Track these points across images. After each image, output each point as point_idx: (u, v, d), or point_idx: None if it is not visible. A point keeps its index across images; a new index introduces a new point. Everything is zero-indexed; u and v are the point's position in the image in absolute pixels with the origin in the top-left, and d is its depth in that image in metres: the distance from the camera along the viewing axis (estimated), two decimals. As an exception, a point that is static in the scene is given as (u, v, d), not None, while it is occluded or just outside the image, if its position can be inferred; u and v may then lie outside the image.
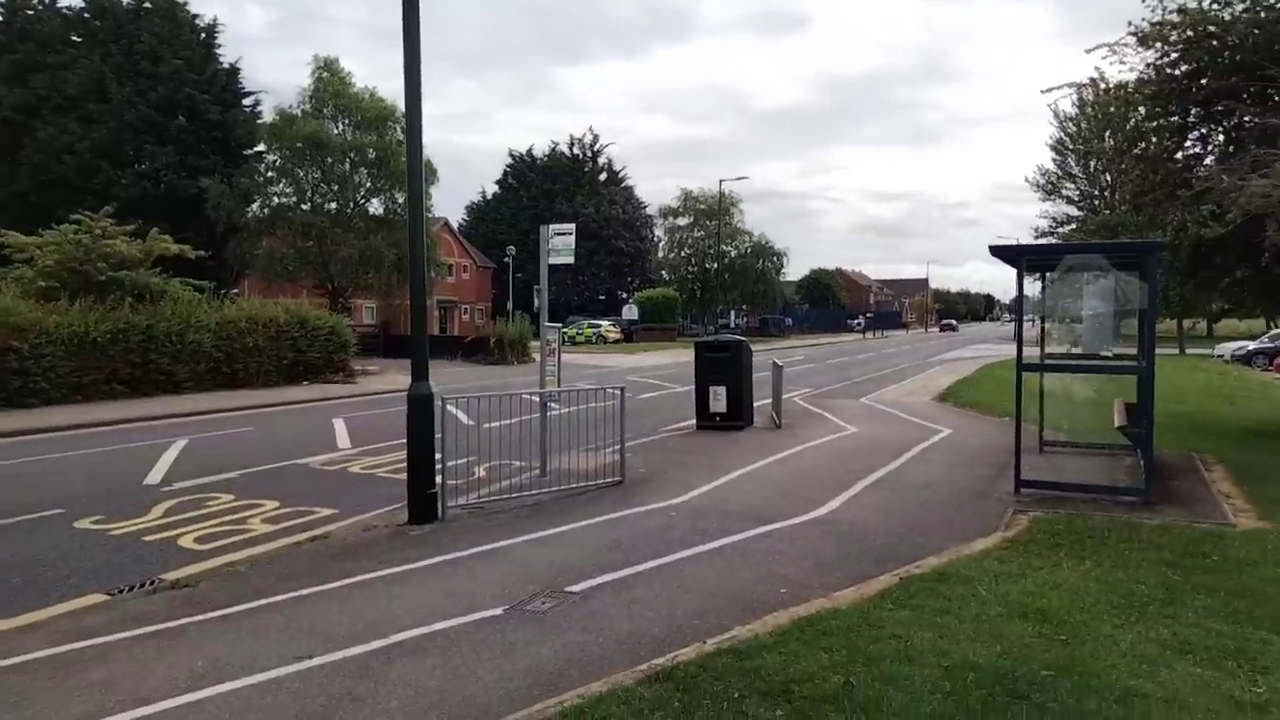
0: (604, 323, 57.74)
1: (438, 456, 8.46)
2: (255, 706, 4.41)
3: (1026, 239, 44.86)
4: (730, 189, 69.63)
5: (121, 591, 6.45)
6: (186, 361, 20.81)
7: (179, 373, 20.63)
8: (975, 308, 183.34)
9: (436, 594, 6.17)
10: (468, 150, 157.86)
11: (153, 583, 6.63)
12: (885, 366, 34.22)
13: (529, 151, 79.97)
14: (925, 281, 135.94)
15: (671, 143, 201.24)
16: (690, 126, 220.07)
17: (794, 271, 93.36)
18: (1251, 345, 35.39)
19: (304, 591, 6.28)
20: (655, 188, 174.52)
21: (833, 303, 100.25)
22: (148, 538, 8.01)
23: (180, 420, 16.82)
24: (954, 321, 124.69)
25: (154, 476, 10.92)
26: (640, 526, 7.93)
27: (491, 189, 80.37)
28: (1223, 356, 36.06)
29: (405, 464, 11.14)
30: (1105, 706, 4.12)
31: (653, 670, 4.62)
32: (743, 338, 16.92)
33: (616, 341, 54.66)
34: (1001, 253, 10.10)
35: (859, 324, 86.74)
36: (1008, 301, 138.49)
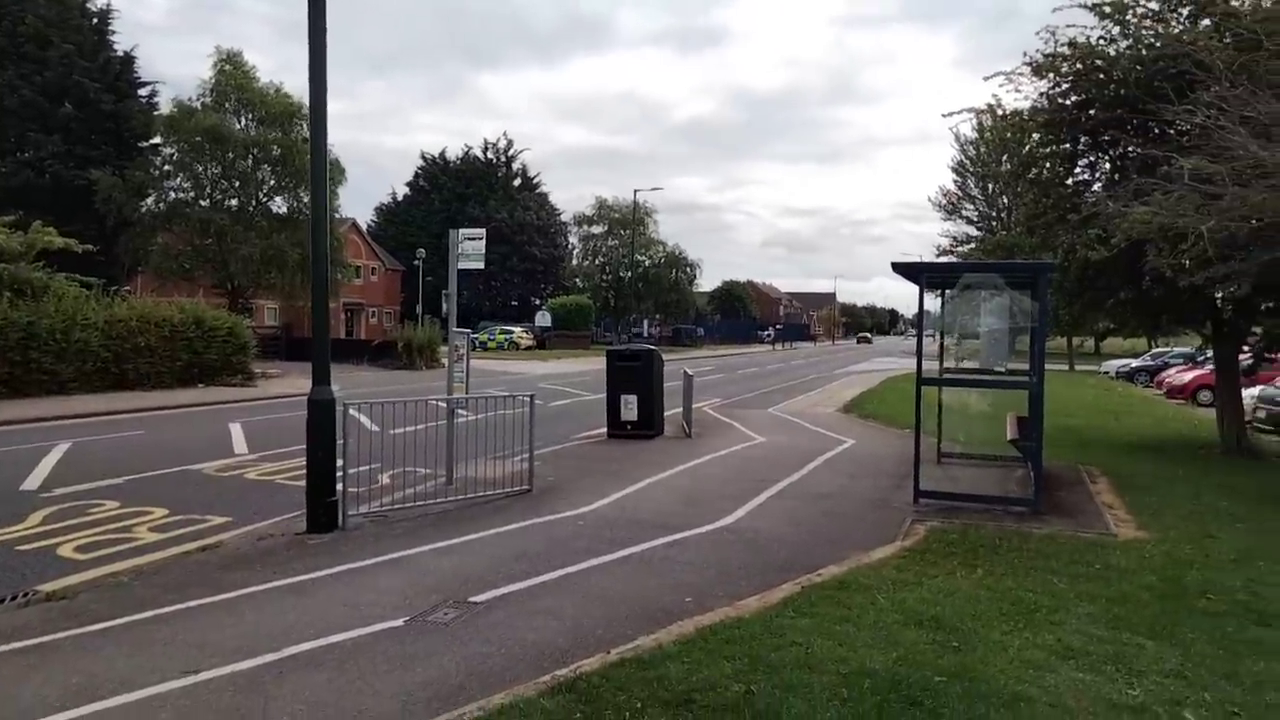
0: (516, 329, 57.29)
1: (339, 463, 8.21)
2: (136, 725, 4.19)
3: (929, 256, 46.33)
4: (645, 199, 70.30)
5: (-10, 605, 6.05)
6: (72, 361, 19.72)
7: (63, 373, 19.53)
8: (881, 322, 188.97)
9: (334, 605, 5.98)
10: (379, 151, 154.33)
11: (26, 595, 6.24)
12: (793, 378, 34.91)
13: (441, 154, 78.95)
14: (833, 295, 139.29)
15: (588, 151, 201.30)
16: (607, 136, 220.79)
17: (707, 283, 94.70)
18: (1135, 363, 37.45)
19: (192, 603, 6.00)
20: (571, 195, 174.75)
21: (744, 314, 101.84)
22: (22, 547, 7.54)
23: (64, 423, 15.90)
24: (869, 335, 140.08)
25: (32, 482, 10.30)
26: (547, 535, 7.86)
27: (403, 190, 79.01)
28: (1109, 373, 38.06)
29: (303, 470, 10.85)
30: (993, 711, 4.26)
31: (555, 681, 4.58)
32: (654, 347, 17.01)
33: (529, 348, 54.28)
34: (903, 270, 10.43)
35: (769, 335, 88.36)
36: (911, 316, 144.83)
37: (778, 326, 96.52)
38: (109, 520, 8.53)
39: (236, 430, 15.15)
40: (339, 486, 8.21)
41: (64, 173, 35.19)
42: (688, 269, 74.90)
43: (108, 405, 18.22)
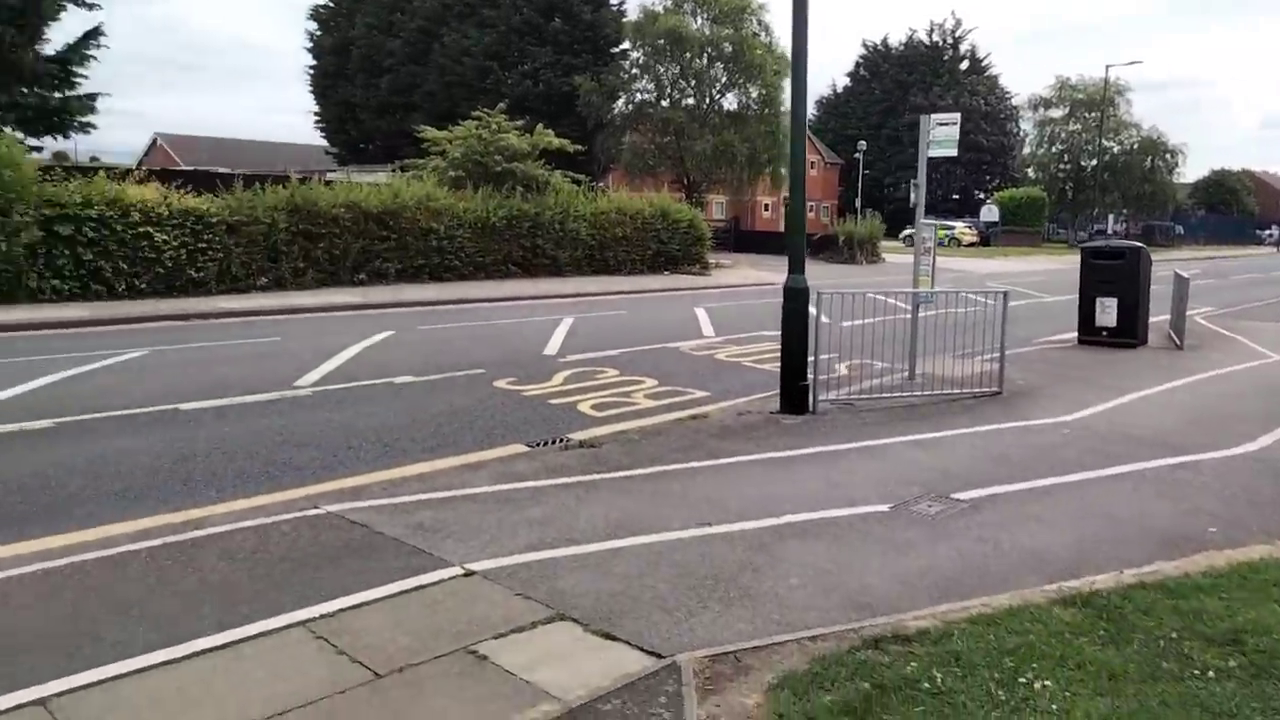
0: (958, 224, 54.05)
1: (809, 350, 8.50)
2: (668, 560, 4.82)
3: None
4: (1117, 76, 60.97)
5: (539, 445, 7.30)
6: (567, 248, 22.83)
7: (561, 257, 22.71)
8: None
9: (817, 483, 6.28)
10: (819, 41, 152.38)
11: (563, 440, 7.43)
12: (1312, 287, 28.65)
13: (884, 41, 75.68)
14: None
15: (1043, 27, 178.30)
16: (1067, 7, 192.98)
17: (1189, 173, 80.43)
18: None
19: (694, 465, 6.70)
20: (1023, 77, 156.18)
21: (1238, 210, 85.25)
22: (553, 401, 8.99)
23: (563, 300, 18.60)
24: None
25: (551, 348, 12.20)
26: (1027, 442, 7.44)
27: (843, 82, 77.51)
28: None
29: (767, 354, 11.46)
30: None
31: (1065, 593, 4.35)
32: (1141, 244, 14.94)
33: (971, 245, 51.10)
34: None
35: (1272, 236, 73.26)
36: None
37: (1284, 225, 79.44)
38: (612, 385, 9.82)
39: (702, 314, 16.44)
40: (809, 373, 8.53)
41: (553, 80, 39.96)
42: (1167, 156, 64.24)
43: (593, 287, 20.90)
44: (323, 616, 4.09)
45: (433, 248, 20.01)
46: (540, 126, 24.64)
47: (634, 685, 3.53)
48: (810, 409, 8.47)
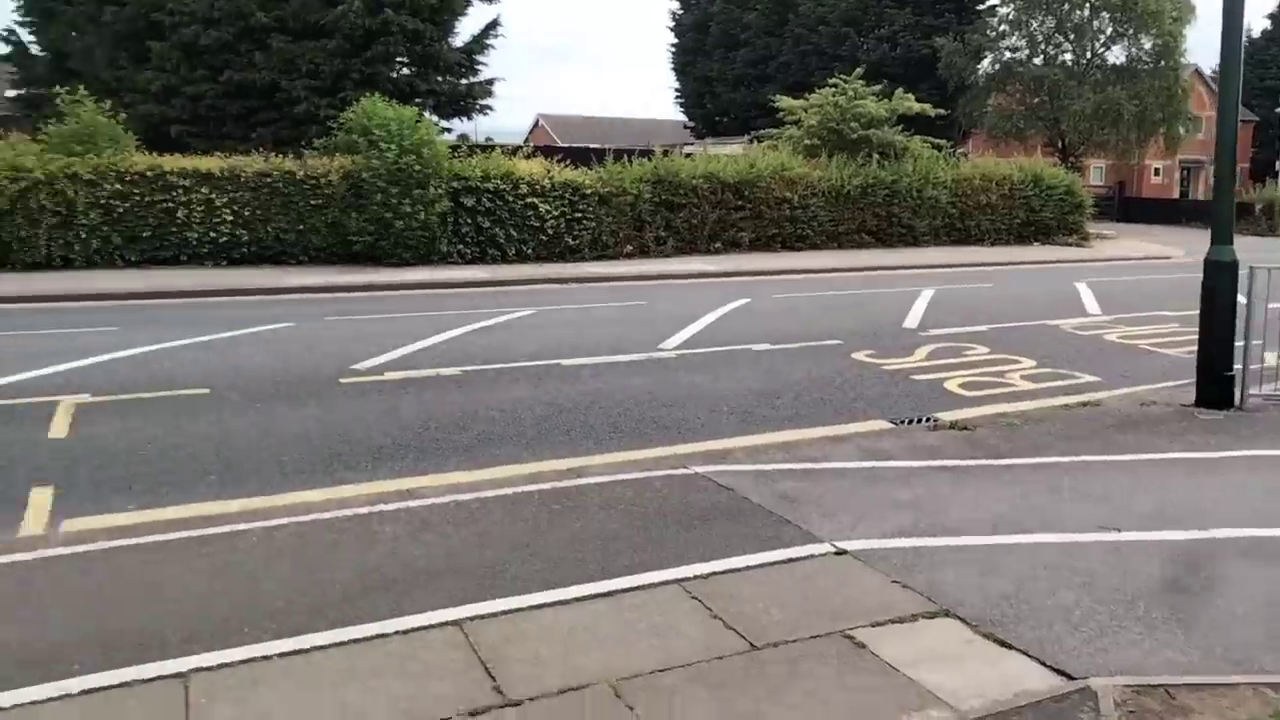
0: None
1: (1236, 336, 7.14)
2: (1066, 565, 4.23)
3: None
4: None
5: (904, 423, 6.86)
6: (925, 216, 21.61)
7: (918, 226, 21.54)
8: None
9: (1257, 493, 5.27)
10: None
11: (931, 420, 6.90)
12: None
13: (1327, -33, 62.31)
14: None
15: None
16: None
17: None
18: None
19: (1086, 458, 5.90)
20: None
21: None
22: (915, 377, 8.45)
23: (921, 271, 17.64)
24: None
25: (910, 321, 11.56)
26: None
27: (1260, 25, 65.10)
28: None
29: (1170, 337, 9.97)
30: None
31: None
32: None
33: None
34: None
35: None
36: None
37: None
38: (982, 363, 9.03)
39: (1084, 289, 14.68)
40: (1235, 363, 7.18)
41: (912, 43, 37.98)
42: None
43: (954, 258, 19.61)
44: (696, 577, 4.09)
45: (786, 217, 19.89)
46: (900, 91, 23.49)
47: (1040, 705, 3.10)
48: (1237, 404, 7.14)
